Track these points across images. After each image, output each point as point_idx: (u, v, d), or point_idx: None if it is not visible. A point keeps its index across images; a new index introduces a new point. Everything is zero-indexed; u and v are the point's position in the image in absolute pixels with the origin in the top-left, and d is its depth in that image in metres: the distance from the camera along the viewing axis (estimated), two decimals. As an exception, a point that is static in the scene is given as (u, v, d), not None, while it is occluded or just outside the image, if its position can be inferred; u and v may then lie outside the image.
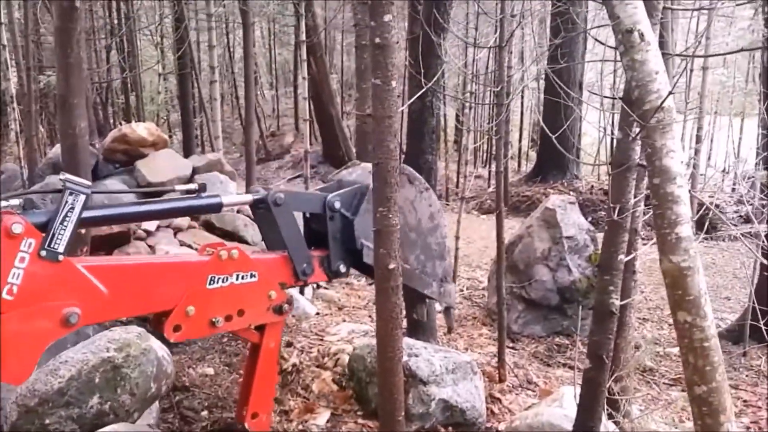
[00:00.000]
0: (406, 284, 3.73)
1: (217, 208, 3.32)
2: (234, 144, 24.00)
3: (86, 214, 2.75)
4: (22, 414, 2.47)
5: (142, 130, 8.03)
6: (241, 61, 17.93)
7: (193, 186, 3.21)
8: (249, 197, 3.41)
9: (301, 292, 6.13)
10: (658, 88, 2.20)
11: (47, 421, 2.47)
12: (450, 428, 3.97)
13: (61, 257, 2.64)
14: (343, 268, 3.57)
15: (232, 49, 24.13)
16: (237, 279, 3.18)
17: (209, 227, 7.33)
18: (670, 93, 2.18)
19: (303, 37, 9.54)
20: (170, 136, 17.51)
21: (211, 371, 4.66)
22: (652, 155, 2.27)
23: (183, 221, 7.35)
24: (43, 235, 2.60)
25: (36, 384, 2.50)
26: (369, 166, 3.17)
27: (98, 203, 3.03)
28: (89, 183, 2.78)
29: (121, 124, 14.47)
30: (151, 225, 7.14)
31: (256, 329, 3.41)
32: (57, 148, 8.64)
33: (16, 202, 2.67)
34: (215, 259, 3.11)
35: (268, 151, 22.30)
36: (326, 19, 21.78)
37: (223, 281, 3.13)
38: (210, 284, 3.09)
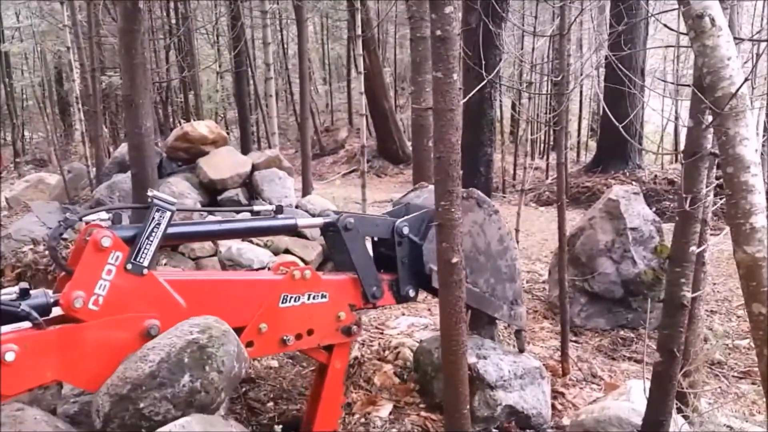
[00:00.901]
0: (476, 307, 3.76)
1: (293, 229, 3.46)
2: (289, 140, 24.29)
3: (170, 230, 2.88)
4: (115, 403, 2.59)
5: (203, 128, 8.20)
6: (295, 57, 18.09)
7: (270, 207, 3.38)
8: (320, 220, 3.53)
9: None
10: (730, 75, 2.13)
11: (141, 405, 2.59)
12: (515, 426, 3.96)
13: (145, 271, 2.78)
14: (412, 293, 3.63)
15: (286, 46, 24.38)
16: (308, 299, 3.28)
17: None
18: (746, 80, 2.10)
19: (357, 31, 9.56)
20: (228, 133, 17.83)
21: (275, 364, 4.75)
22: (726, 143, 2.20)
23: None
24: (130, 248, 2.72)
25: (126, 372, 2.62)
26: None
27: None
28: (175, 200, 2.91)
29: (180, 122, 14.84)
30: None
31: (325, 349, 3.48)
32: (122, 148, 8.90)
33: (105, 216, 2.80)
34: (288, 279, 3.22)
35: (323, 146, 22.50)
36: (379, 12, 21.82)
37: (295, 300, 3.24)
38: (282, 303, 3.20)
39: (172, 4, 17.30)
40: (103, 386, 2.65)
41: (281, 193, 7.98)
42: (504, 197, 15.25)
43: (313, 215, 6.61)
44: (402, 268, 3.58)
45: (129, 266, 2.71)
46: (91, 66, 10.64)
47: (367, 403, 4.12)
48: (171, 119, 18.82)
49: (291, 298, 3.22)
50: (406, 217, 3.62)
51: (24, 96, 25.03)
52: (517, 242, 5.64)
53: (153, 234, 2.79)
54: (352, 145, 21.91)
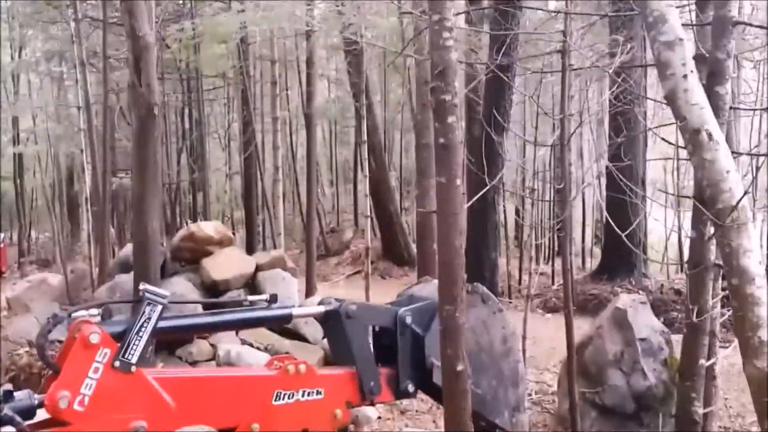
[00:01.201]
0: (476, 411, 3.61)
1: (287, 319, 3.37)
2: (294, 240, 24.42)
3: (161, 324, 2.79)
4: None
5: (209, 228, 8.27)
6: (303, 160, 18.55)
7: (264, 297, 3.24)
8: (321, 308, 3.39)
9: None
10: (730, 187, 2.16)
11: None
12: None
13: (133, 368, 2.67)
14: (411, 388, 3.45)
15: (294, 149, 25.00)
16: (303, 396, 3.12)
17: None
18: (746, 193, 2.12)
19: (364, 137, 9.82)
20: (234, 233, 18.01)
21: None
22: (729, 255, 2.20)
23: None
24: (119, 345, 2.63)
25: None
26: None
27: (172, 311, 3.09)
28: (167, 293, 2.84)
29: (187, 222, 14.99)
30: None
31: None
32: (127, 248, 8.96)
33: (95, 312, 2.71)
34: (282, 374, 3.08)
35: (328, 246, 22.58)
36: (386, 119, 22.49)
37: (288, 397, 3.08)
38: (276, 400, 3.05)
39: (186, 110, 17.92)
40: None
41: (285, 294, 7.94)
42: (510, 302, 15.08)
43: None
44: (402, 361, 3.41)
45: (117, 363, 2.60)
46: (103, 168, 10.88)
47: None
48: (179, 219, 19.04)
49: (285, 395, 3.06)
50: (409, 306, 3.47)
51: (34, 196, 25.48)
52: (524, 350, 5.53)
53: (143, 329, 2.69)
54: (357, 246, 21.97)
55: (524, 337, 5.50)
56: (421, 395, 6.67)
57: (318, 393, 3.16)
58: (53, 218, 18.54)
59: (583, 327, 7.85)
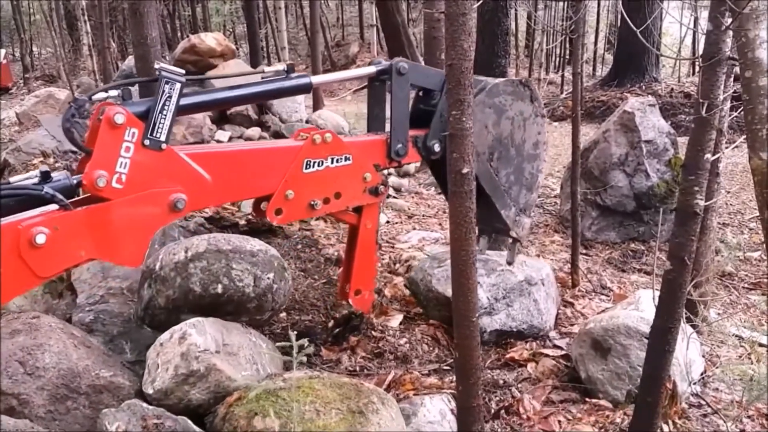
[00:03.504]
0: (485, 199, 3.69)
1: (307, 88, 3.35)
2: (299, 55, 23.88)
3: (183, 101, 2.81)
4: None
5: (210, 40, 8.05)
6: (305, -32, 17.56)
7: (281, 66, 3.24)
8: (372, 69, 3.47)
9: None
10: (753, -28, 2.04)
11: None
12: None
13: (164, 146, 2.74)
14: (437, 147, 3.58)
15: (295, -44, 23.62)
16: (332, 162, 3.28)
17: (280, 138, 7.41)
18: (770, -24, 2.01)
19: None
20: (237, 48, 17.50)
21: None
22: (744, 47, 2.13)
23: (254, 132, 7.45)
24: (144, 124, 2.67)
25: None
26: None
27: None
28: (183, 71, 2.81)
29: (188, 36, 14.58)
30: (223, 137, 7.28)
31: (354, 211, 3.53)
32: (129, 60, 8.79)
33: (114, 93, 2.71)
34: (309, 144, 3.20)
35: (334, 61, 22.09)
36: None
37: (318, 165, 3.24)
38: (306, 168, 3.20)
39: None
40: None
41: (291, 107, 7.91)
42: (518, 112, 15.02)
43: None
44: (437, 121, 3.55)
45: (146, 142, 2.67)
46: (95, -23, 10.39)
47: (378, 314, 4.20)
48: (179, 33, 18.48)
49: (314, 162, 3.22)
50: None
51: (31, 11, 24.57)
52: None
53: (166, 107, 2.72)
54: (364, 60, 21.49)
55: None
56: (422, 207, 6.90)
57: (346, 159, 3.33)
58: (53, 33, 17.99)
59: (589, 134, 7.87)
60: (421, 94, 3.73)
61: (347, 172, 3.34)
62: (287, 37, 14.46)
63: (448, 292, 2.95)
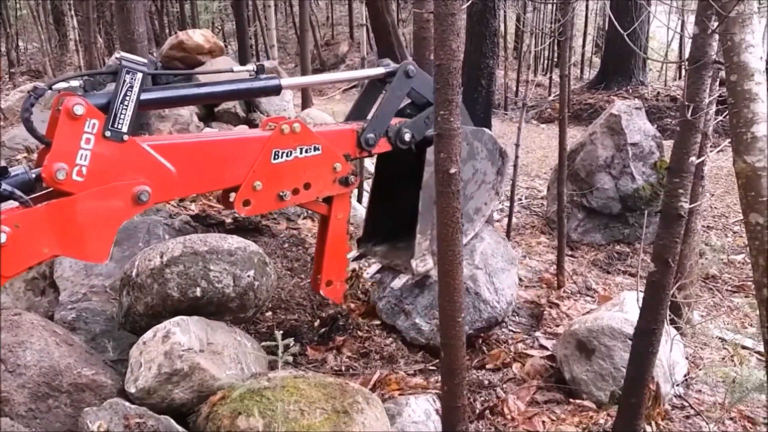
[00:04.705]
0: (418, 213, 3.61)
1: (276, 90, 3.29)
2: (288, 54, 23.79)
3: (145, 96, 2.75)
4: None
5: (198, 36, 8.01)
6: (295, -34, 17.50)
7: (250, 67, 3.17)
8: (381, 70, 3.52)
9: (359, 199, 6.17)
10: (738, -23, 2.05)
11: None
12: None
13: (125, 137, 2.67)
14: (407, 137, 3.54)
15: (285, -46, 23.55)
16: (301, 153, 3.23)
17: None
18: (755, -19, 2.02)
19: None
20: (225, 46, 17.42)
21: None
22: (730, 50, 2.14)
23: (241, 130, 7.41)
24: (106, 116, 2.61)
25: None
26: None
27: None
28: (144, 60, 2.76)
29: (176, 33, 14.50)
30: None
31: (324, 201, 3.50)
32: (116, 56, 8.73)
33: (75, 83, 2.65)
34: (277, 134, 3.15)
35: (323, 60, 22.03)
36: None
37: (287, 155, 3.19)
38: (274, 159, 3.15)
39: None
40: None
41: (280, 105, 7.87)
42: (506, 114, 15.07)
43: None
44: (417, 119, 3.58)
45: (107, 133, 2.61)
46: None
47: (365, 313, 4.20)
48: (167, 30, 18.37)
49: (283, 153, 3.17)
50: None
51: (17, 5, 24.32)
52: (517, 158, 5.60)
53: (127, 98, 2.65)
54: (353, 60, 21.46)
55: (517, 145, 5.54)
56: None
57: (315, 149, 3.28)
58: (39, 28, 17.83)
59: (576, 136, 7.91)
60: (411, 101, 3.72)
61: (316, 162, 3.29)
62: (276, 36, 14.40)
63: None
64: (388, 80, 3.50)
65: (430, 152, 3.54)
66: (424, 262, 3.76)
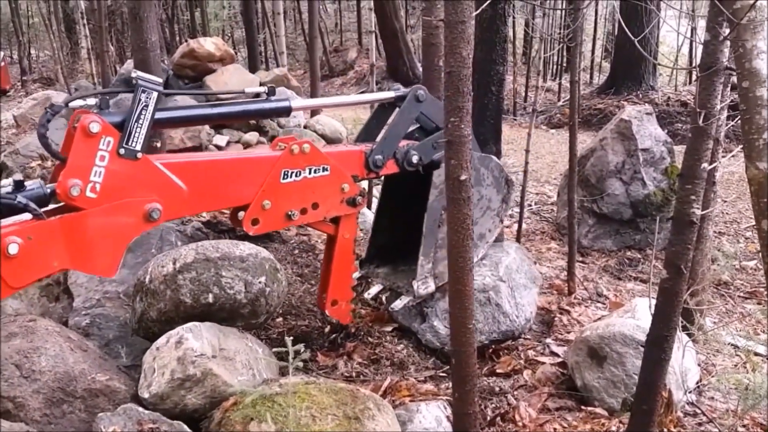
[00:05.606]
0: (422, 234, 3.67)
1: (286, 112, 3.36)
2: (297, 61, 23.88)
3: (160, 114, 2.80)
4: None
5: (209, 45, 8.05)
6: (304, -26, 17.58)
7: (262, 89, 3.25)
8: (392, 94, 3.61)
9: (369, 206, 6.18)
10: (751, -16, 2.05)
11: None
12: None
13: (139, 155, 2.71)
14: (415, 159, 3.58)
15: (294, -38, 23.68)
16: (309, 173, 3.27)
17: (278, 142, 7.41)
18: (767, -13, 2.02)
19: (367, -55, 9.24)
20: (235, 53, 17.52)
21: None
22: (742, 57, 2.14)
23: (252, 137, 7.45)
24: (120, 133, 2.65)
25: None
26: None
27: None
28: (160, 80, 2.81)
29: (186, 41, 14.60)
30: (221, 141, 7.28)
31: (332, 221, 3.52)
32: (128, 64, 8.78)
33: (92, 102, 2.71)
34: (287, 154, 3.19)
35: (332, 67, 22.13)
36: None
37: (296, 175, 3.23)
38: (284, 179, 3.19)
39: None
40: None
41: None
42: (515, 119, 15.07)
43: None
44: (427, 142, 3.60)
45: (122, 151, 2.65)
46: (94, -19, 10.41)
47: (375, 319, 4.20)
48: (177, 37, 18.49)
49: (292, 173, 3.21)
50: None
51: (29, 13, 24.56)
52: (526, 163, 5.60)
53: (142, 116, 2.69)
54: (362, 66, 21.54)
55: (527, 151, 5.55)
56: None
57: (324, 170, 3.32)
58: (51, 36, 18.01)
59: (586, 142, 7.90)
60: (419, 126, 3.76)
61: (325, 182, 3.34)
62: (285, 42, 14.47)
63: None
64: (398, 104, 3.55)
65: (436, 175, 3.60)
66: (426, 285, 3.81)
